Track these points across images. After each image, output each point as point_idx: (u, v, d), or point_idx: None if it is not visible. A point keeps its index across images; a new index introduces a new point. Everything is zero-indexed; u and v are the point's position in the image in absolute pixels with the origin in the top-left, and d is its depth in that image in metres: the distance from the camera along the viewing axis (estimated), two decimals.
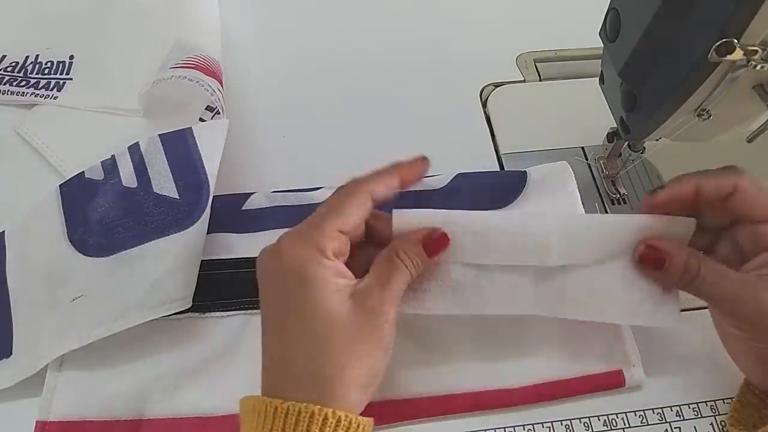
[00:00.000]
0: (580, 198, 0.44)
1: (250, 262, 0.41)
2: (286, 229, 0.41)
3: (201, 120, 0.44)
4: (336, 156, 0.49)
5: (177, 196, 0.40)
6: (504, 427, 0.37)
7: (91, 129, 0.48)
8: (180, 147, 0.42)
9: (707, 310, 0.41)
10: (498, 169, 0.48)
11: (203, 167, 0.41)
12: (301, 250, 0.32)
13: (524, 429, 0.37)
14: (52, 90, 0.50)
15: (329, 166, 0.48)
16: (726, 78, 0.33)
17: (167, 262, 0.38)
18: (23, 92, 0.49)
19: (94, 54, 0.52)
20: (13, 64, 0.51)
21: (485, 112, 0.53)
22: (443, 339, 0.39)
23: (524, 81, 0.55)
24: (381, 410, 0.35)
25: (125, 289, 0.37)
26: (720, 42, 0.30)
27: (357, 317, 0.31)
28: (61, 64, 0.51)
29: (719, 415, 0.37)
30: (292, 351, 0.31)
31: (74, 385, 0.37)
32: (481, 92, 0.54)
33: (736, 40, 0.30)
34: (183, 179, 0.41)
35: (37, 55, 0.52)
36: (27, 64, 0.52)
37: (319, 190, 0.45)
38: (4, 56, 0.52)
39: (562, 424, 0.37)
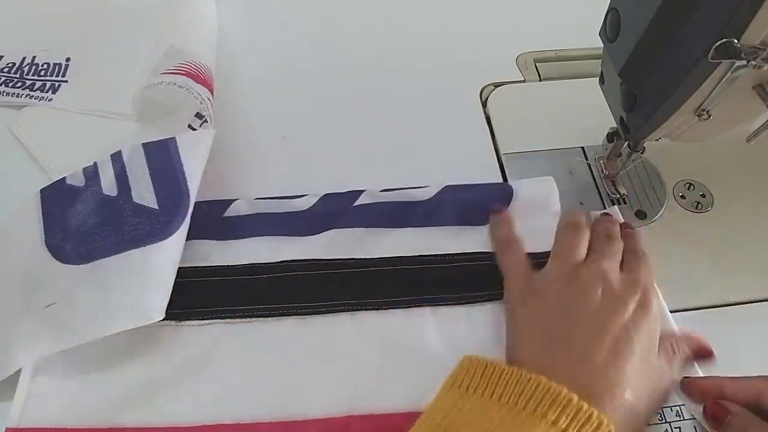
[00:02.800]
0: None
1: (228, 269, 0.41)
2: (268, 237, 0.42)
3: (190, 126, 0.44)
4: (336, 156, 0.49)
5: (156, 207, 0.40)
6: None
7: (82, 131, 0.48)
8: (162, 157, 0.41)
9: (707, 310, 0.41)
10: (498, 170, 0.48)
11: (185, 179, 0.41)
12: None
13: None
14: (47, 92, 0.50)
15: (329, 166, 0.48)
16: (726, 78, 0.33)
17: (143, 272, 0.38)
18: (18, 93, 0.50)
19: (90, 57, 0.52)
20: (10, 65, 0.52)
21: (485, 112, 0.53)
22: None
23: (524, 81, 0.55)
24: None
25: (99, 298, 0.37)
26: (720, 42, 0.30)
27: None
28: (57, 66, 0.51)
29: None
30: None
31: (47, 393, 0.36)
32: (481, 92, 0.54)
33: (736, 40, 0.30)
34: (164, 190, 0.40)
35: (34, 57, 0.52)
36: (24, 65, 0.52)
37: (302, 198, 0.45)
38: (1, 57, 0.52)
39: None
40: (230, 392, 0.36)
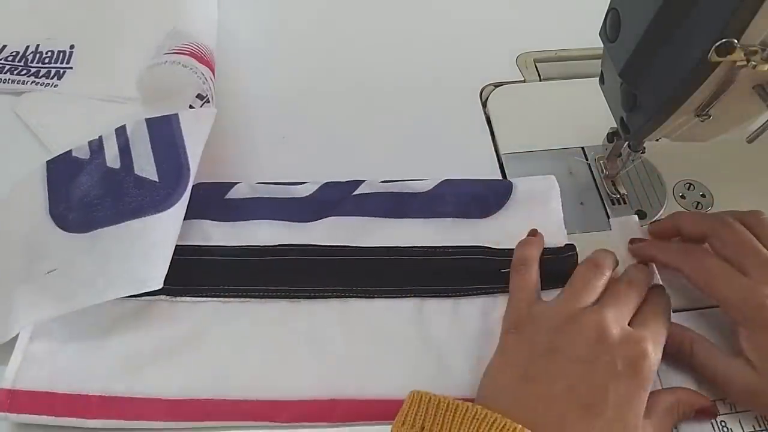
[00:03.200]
0: (562, 214, 0.44)
1: (226, 250, 0.42)
2: (267, 221, 0.43)
3: (191, 107, 0.45)
4: (336, 156, 0.49)
5: (156, 179, 0.41)
6: None
7: (87, 114, 0.49)
8: (164, 132, 0.42)
9: (706, 310, 0.41)
10: (498, 170, 0.48)
11: (186, 153, 0.42)
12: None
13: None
14: (52, 78, 0.50)
15: (329, 166, 0.48)
16: (726, 78, 0.33)
17: (141, 242, 0.38)
18: (23, 80, 0.50)
19: (93, 43, 0.52)
20: (14, 53, 0.52)
21: (485, 112, 0.53)
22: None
23: (524, 81, 0.55)
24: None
25: (98, 266, 0.38)
26: (720, 42, 0.30)
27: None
28: (61, 54, 0.52)
29: (719, 415, 0.37)
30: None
31: (43, 358, 0.37)
32: (481, 92, 0.54)
33: (736, 40, 0.30)
34: (164, 163, 0.41)
35: (38, 45, 0.52)
36: (27, 53, 0.52)
37: (304, 185, 0.45)
38: (4, 46, 0.53)
39: None
40: (219, 369, 0.37)
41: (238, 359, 0.38)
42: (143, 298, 0.39)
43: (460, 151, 0.49)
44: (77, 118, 0.48)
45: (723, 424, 0.37)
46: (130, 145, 0.42)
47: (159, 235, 0.39)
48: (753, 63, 0.31)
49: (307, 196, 0.45)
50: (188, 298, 0.40)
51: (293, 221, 0.44)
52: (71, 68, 0.51)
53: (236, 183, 0.45)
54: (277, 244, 0.42)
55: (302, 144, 0.50)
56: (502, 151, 0.49)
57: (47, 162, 0.43)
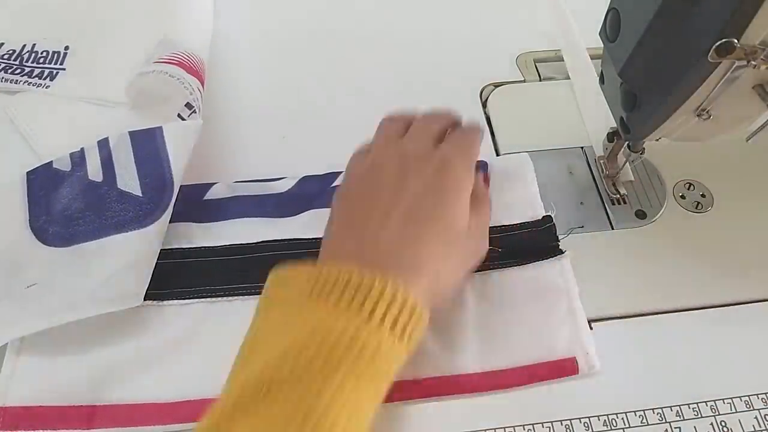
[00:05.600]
0: (537, 188, 0.45)
1: (209, 250, 0.42)
2: (248, 219, 0.43)
3: (179, 116, 0.45)
4: (336, 157, 0.48)
5: (140, 194, 0.41)
6: (504, 427, 0.37)
7: (76, 116, 0.48)
8: (148, 146, 0.42)
9: (707, 310, 0.41)
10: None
11: (170, 168, 0.42)
12: (465, 171, 0.36)
13: (524, 429, 0.37)
14: (44, 79, 0.50)
15: (329, 165, 0.48)
16: (726, 78, 0.33)
17: (123, 258, 0.38)
18: (17, 80, 0.50)
19: (87, 46, 0.52)
20: (10, 51, 0.52)
21: (485, 112, 0.53)
22: None
23: (524, 81, 0.55)
24: None
25: (79, 281, 0.38)
26: (720, 42, 0.30)
27: (471, 232, 0.36)
28: (55, 54, 0.52)
29: (719, 415, 0.37)
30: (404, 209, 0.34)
31: (32, 371, 0.37)
32: (481, 92, 0.54)
33: (736, 40, 0.30)
34: (148, 177, 0.41)
35: (34, 44, 0.52)
36: (23, 52, 0.52)
37: (281, 180, 0.45)
38: (2, 44, 0.52)
39: (562, 424, 0.37)
40: (212, 368, 0.37)
41: (230, 358, 0.38)
42: None
43: None
44: (67, 122, 0.48)
45: (723, 424, 0.37)
46: (113, 158, 0.42)
47: (141, 251, 0.39)
48: (753, 63, 0.31)
49: (286, 191, 0.45)
50: (175, 301, 0.40)
51: (274, 217, 0.44)
52: (64, 69, 0.51)
53: (213, 183, 0.45)
54: (260, 240, 0.42)
55: (302, 144, 0.50)
56: (502, 151, 0.49)
57: (27, 173, 0.43)
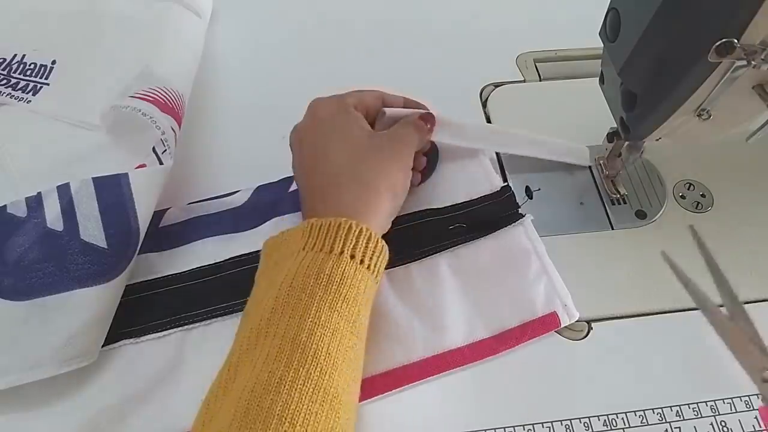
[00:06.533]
0: (489, 162, 0.47)
1: (175, 278, 0.41)
2: (209, 239, 0.43)
3: (154, 150, 0.43)
4: None
5: (105, 246, 0.38)
6: (504, 427, 0.37)
7: (52, 136, 0.46)
8: (113, 194, 0.40)
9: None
10: (498, 169, 0.48)
11: (136, 217, 0.40)
12: (330, 105, 0.41)
13: (524, 429, 0.37)
14: (27, 93, 0.49)
15: None
16: (726, 78, 0.33)
17: (85, 313, 0.36)
18: (1, 91, 0.49)
19: (73, 64, 0.50)
20: (1, 60, 0.51)
21: (485, 112, 0.53)
22: (388, 317, 0.40)
23: (524, 81, 0.55)
24: None
25: (37, 338, 0.36)
26: (720, 42, 0.30)
27: (385, 142, 0.40)
28: (42, 68, 0.50)
29: (719, 415, 0.37)
30: (333, 170, 0.38)
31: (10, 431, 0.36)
32: (481, 92, 0.54)
33: (736, 40, 0.30)
34: (112, 228, 0.39)
35: (24, 55, 0.51)
36: (13, 62, 0.51)
37: (236, 193, 0.45)
38: None
39: (562, 424, 0.37)
40: (201, 395, 0.36)
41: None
42: (105, 346, 0.38)
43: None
44: (41, 141, 0.45)
45: (723, 424, 0.37)
46: (75, 206, 0.39)
47: (102, 307, 0.37)
48: (753, 63, 0.31)
49: (243, 204, 0.44)
50: (152, 335, 0.39)
51: (236, 232, 0.43)
52: (48, 84, 0.49)
53: (167, 209, 0.44)
54: (227, 258, 0.42)
55: None
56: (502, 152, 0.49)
57: None
